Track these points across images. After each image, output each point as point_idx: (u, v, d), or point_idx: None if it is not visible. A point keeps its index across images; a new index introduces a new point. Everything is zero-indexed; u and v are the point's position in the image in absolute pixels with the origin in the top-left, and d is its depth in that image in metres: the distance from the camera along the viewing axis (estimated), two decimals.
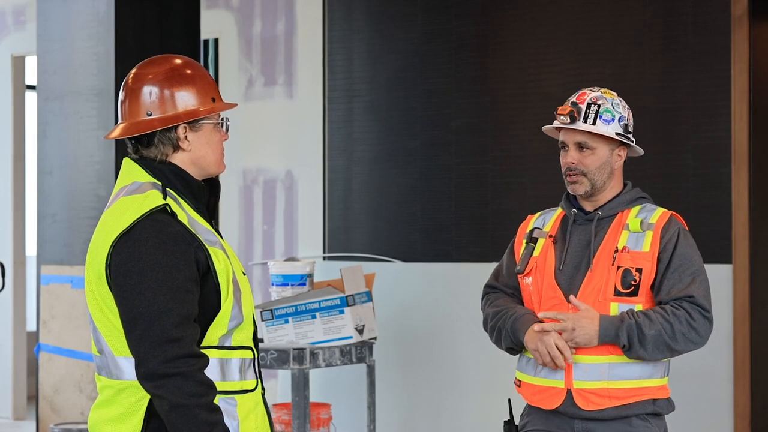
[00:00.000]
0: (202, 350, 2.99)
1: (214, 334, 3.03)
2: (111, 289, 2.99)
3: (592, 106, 3.83)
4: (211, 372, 3.00)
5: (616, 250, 3.78)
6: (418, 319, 7.13)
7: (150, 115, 3.09)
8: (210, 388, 2.96)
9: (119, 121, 3.15)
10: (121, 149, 6.65)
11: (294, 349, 5.78)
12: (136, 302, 2.93)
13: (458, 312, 6.98)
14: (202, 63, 7.62)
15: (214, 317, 3.02)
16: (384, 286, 6.87)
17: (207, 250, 3.01)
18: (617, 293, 3.76)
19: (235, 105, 3.22)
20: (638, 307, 3.75)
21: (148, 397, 2.98)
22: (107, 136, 3.17)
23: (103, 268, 2.99)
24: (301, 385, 5.77)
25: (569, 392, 3.78)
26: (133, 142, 3.12)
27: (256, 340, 3.15)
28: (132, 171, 3.10)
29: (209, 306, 3.02)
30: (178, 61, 3.16)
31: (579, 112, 3.83)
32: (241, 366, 3.08)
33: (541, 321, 3.81)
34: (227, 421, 3.01)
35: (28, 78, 9.68)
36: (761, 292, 6.51)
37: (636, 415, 3.77)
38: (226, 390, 3.04)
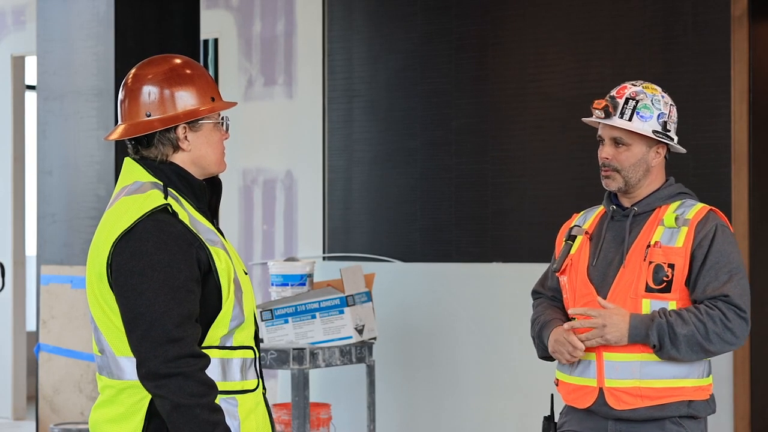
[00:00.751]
0: (203, 350, 2.99)
1: (215, 333, 3.03)
2: (112, 289, 2.99)
3: (630, 101, 3.72)
4: (213, 372, 3.00)
5: (648, 245, 3.68)
6: (417, 319, 7.13)
7: (149, 115, 3.08)
8: (211, 388, 2.96)
9: (119, 121, 3.15)
10: (121, 149, 6.65)
11: (294, 349, 5.78)
12: (137, 302, 2.93)
13: (458, 312, 6.98)
14: (201, 63, 7.62)
15: (216, 317, 3.02)
16: (384, 286, 6.86)
17: (208, 249, 3.01)
18: (649, 289, 3.66)
19: (234, 104, 3.21)
20: (671, 305, 3.66)
21: (149, 397, 2.97)
22: (107, 138, 3.16)
23: (104, 267, 2.99)
24: (300, 385, 5.77)
25: (601, 391, 3.70)
26: (132, 142, 3.12)
27: (257, 339, 3.14)
28: (133, 171, 3.10)
29: (210, 306, 3.01)
30: (178, 60, 3.15)
31: (615, 107, 3.73)
32: (243, 366, 3.08)
33: (570, 319, 3.76)
34: (228, 421, 3.01)
35: (28, 78, 9.67)
36: (761, 292, 6.51)
37: (669, 417, 3.66)
38: (227, 390, 3.04)
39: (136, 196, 3.03)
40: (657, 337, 3.61)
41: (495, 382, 6.84)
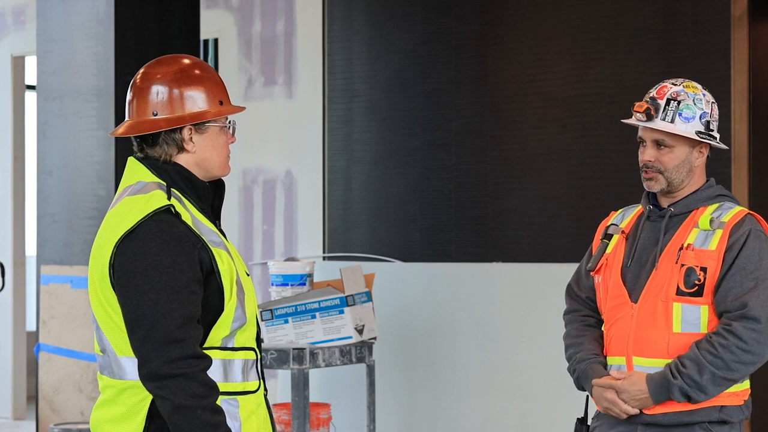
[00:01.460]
0: (205, 351, 2.99)
1: (217, 335, 3.02)
2: (114, 289, 2.98)
3: (672, 102, 3.62)
4: (214, 373, 3.00)
5: (681, 248, 3.59)
6: (417, 319, 7.13)
7: (156, 114, 3.07)
8: (213, 389, 2.96)
9: (126, 119, 3.14)
10: (121, 149, 6.65)
11: (294, 349, 5.78)
12: (139, 302, 2.93)
13: (458, 312, 6.98)
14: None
15: (218, 318, 3.02)
16: (384, 286, 6.86)
17: (211, 251, 3.01)
18: (680, 293, 3.57)
19: (242, 108, 3.20)
20: (703, 309, 3.57)
21: (151, 397, 2.97)
22: (112, 133, 3.16)
23: (106, 267, 2.99)
24: (300, 385, 5.77)
25: None
26: (138, 140, 3.11)
27: (259, 341, 3.14)
28: (137, 170, 3.10)
29: (212, 307, 3.01)
30: (187, 61, 3.14)
31: (657, 109, 3.63)
32: (244, 367, 3.07)
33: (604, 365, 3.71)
34: (229, 422, 3.01)
35: (28, 78, 9.67)
36: None
37: (699, 422, 3.59)
38: (228, 391, 3.03)
39: (139, 196, 3.03)
40: (681, 395, 3.55)
41: (495, 382, 6.84)
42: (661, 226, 3.68)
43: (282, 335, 5.85)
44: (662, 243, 3.65)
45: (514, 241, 7.03)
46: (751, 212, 3.67)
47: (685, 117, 3.64)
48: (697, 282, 3.57)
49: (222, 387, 3.01)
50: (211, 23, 8.12)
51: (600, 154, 6.66)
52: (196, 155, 3.10)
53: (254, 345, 3.11)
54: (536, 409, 6.66)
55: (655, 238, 3.68)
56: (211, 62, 8.43)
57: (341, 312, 5.91)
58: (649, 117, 3.64)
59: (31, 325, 9.87)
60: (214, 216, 3.17)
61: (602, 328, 3.79)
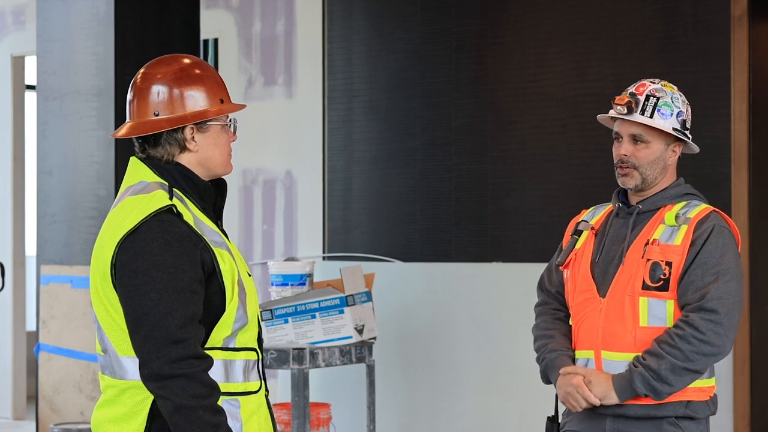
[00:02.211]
0: (206, 351, 2.99)
1: (218, 335, 3.02)
2: (116, 289, 2.98)
3: (651, 98, 3.71)
4: (215, 373, 2.99)
5: (647, 243, 3.67)
6: (417, 319, 7.13)
7: (157, 114, 3.07)
8: (214, 389, 2.96)
9: (127, 120, 3.14)
10: (121, 149, 6.65)
11: (294, 349, 5.78)
12: (141, 302, 2.93)
13: (458, 312, 6.98)
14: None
15: (219, 318, 3.02)
16: (384, 286, 6.86)
17: (212, 251, 3.01)
18: (646, 287, 3.64)
19: (243, 106, 3.20)
20: (669, 304, 3.63)
21: (152, 397, 2.97)
22: (114, 135, 3.16)
23: (108, 267, 2.99)
24: (300, 385, 5.77)
25: None
26: (139, 141, 3.11)
27: (260, 341, 3.14)
28: (138, 170, 3.10)
29: (214, 307, 3.01)
30: (187, 60, 3.14)
31: (637, 104, 3.71)
32: (245, 367, 3.07)
33: (572, 356, 3.76)
34: (230, 422, 3.01)
35: (27, 78, 9.67)
36: (761, 292, 6.51)
37: (666, 417, 3.64)
38: (229, 391, 3.03)
39: (141, 196, 3.02)
40: (643, 385, 3.60)
41: (495, 382, 6.84)
42: (629, 223, 3.75)
43: (282, 335, 5.85)
44: (629, 239, 3.72)
45: (514, 241, 7.03)
46: (716, 209, 3.74)
47: (663, 113, 3.72)
48: (662, 276, 3.64)
49: (223, 387, 3.01)
50: (211, 23, 8.12)
51: (600, 154, 6.66)
52: (199, 154, 3.10)
53: (255, 345, 3.11)
54: (536, 409, 6.66)
55: (623, 234, 3.75)
56: (211, 62, 8.43)
57: (341, 312, 5.91)
58: (630, 110, 3.72)
59: (31, 325, 9.87)
60: (216, 216, 3.17)
61: (570, 323, 3.85)
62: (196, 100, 3.08)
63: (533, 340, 3.94)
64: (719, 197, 6.38)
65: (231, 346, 3.05)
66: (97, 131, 6.76)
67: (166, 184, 3.06)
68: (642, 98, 3.72)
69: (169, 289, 2.92)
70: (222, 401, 3.00)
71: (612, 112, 3.76)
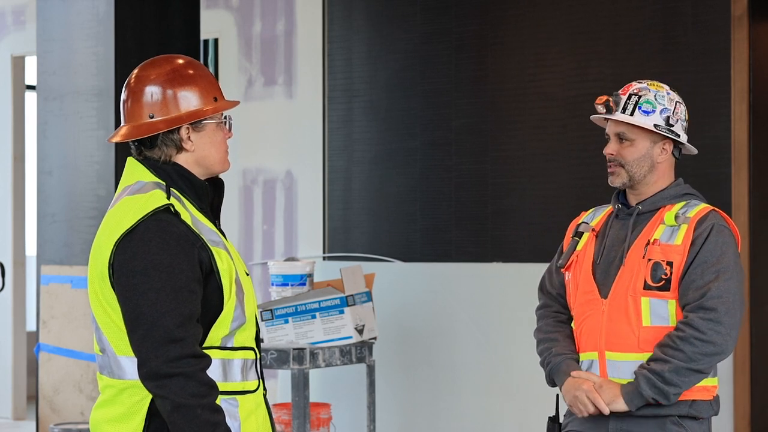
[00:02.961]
0: (204, 350, 2.99)
1: (216, 334, 3.03)
2: (114, 289, 2.99)
3: (633, 96, 3.74)
4: (213, 372, 3.00)
5: (648, 243, 3.68)
6: (418, 319, 7.13)
7: (152, 117, 3.07)
8: (212, 388, 2.96)
9: (122, 122, 3.14)
10: (121, 149, 6.64)
11: (294, 349, 5.78)
12: (139, 302, 2.93)
13: (458, 312, 6.98)
14: (201, 63, 7.62)
15: (217, 318, 3.02)
16: (384, 286, 6.87)
17: (210, 250, 3.01)
18: (647, 287, 3.65)
19: (237, 103, 3.21)
20: (671, 303, 3.63)
21: (150, 397, 2.97)
22: (110, 139, 3.16)
23: (106, 267, 2.99)
24: (301, 385, 5.77)
25: None
26: (135, 144, 3.12)
27: (258, 340, 3.14)
28: (136, 170, 3.10)
29: (212, 306, 3.01)
30: (180, 61, 3.15)
31: (617, 103, 3.75)
32: (243, 366, 3.08)
33: (578, 361, 3.76)
34: (229, 421, 3.01)
35: (28, 78, 9.67)
36: (761, 292, 6.51)
37: (670, 416, 3.64)
38: (227, 390, 3.04)
39: (138, 196, 3.03)
40: (650, 389, 3.60)
41: (495, 382, 6.84)
42: (629, 224, 3.76)
43: (282, 335, 5.85)
44: (630, 239, 3.73)
45: (514, 241, 7.03)
46: (715, 209, 3.74)
47: (644, 110, 3.74)
48: (663, 276, 3.65)
49: (221, 386, 3.01)
50: (211, 23, 8.12)
51: (600, 154, 6.64)
52: (196, 153, 3.11)
53: (253, 345, 3.11)
54: (536, 409, 6.66)
55: (623, 235, 3.76)
56: (211, 62, 8.43)
57: (341, 312, 5.91)
58: (609, 109, 3.76)
59: (31, 325, 9.87)
60: (214, 216, 3.17)
61: (572, 325, 3.85)
62: (189, 99, 3.09)
63: (536, 344, 3.93)
64: (719, 197, 6.38)
65: (229, 345, 3.05)
66: (97, 131, 6.76)
67: (164, 183, 3.06)
68: (624, 97, 3.76)
69: (167, 289, 2.93)
70: (220, 400, 3.00)
71: (595, 114, 3.80)
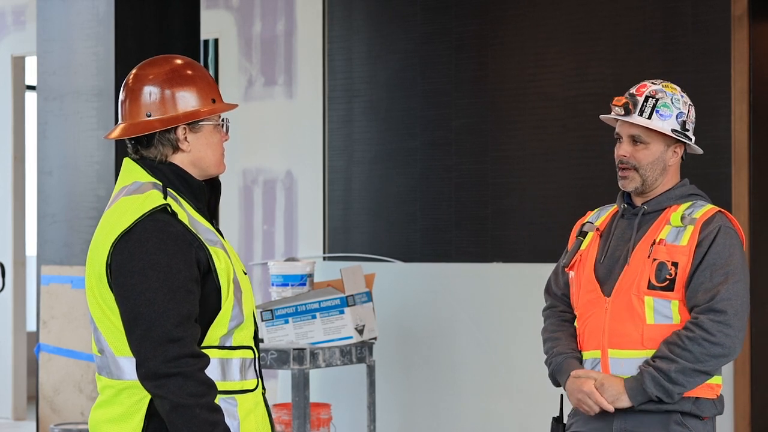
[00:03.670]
0: (202, 350, 2.99)
1: (214, 333, 3.03)
2: (112, 289, 2.99)
3: (650, 99, 3.70)
4: (212, 372, 3.00)
5: (653, 243, 3.66)
6: (418, 319, 7.13)
7: (150, 115, 3.08)
8: (211, 387, 2.96)
9: (119, 121, 3.15)
10: (121, 149, 6.64)
11: (294, 349, 5.78)
12: (137, 302, 2.93)
13: (458, 312, 6.98)
14: (201, 63, 7.62)
15: (215, 317, 3.02)
16: (384, 286, 6.86)
17: (208, 249, 3.01)
18: (651, 287, 3.63)
19: (235, 106, 3.21)
20: (674, 304, 3.63)
21: (149, 397, 2.98)
22: (107, 136, 3.17)
23: (103, 268, 2.99)
24: (301, 385, 5.77)
25: None
26: (132, 142, 3.12)
27: (256, 339, 3.14)
28: (132, 171, 3.10)
29: (210, 306, 3.02)
30: (179, 61, 3.15)
31: (635, 105, 3.70)
32: (242, 366, 3.08)
33: (580, 360, 3.76)
34: (228, 420, 3.01)
35: (28, 78, 9.67)
36: (761, 292, 6.51)
37: (673, 412, 3.63)
38: (226, 390, 3.04)
39: (135, 196, 3.03)
40: (654, 387, 3.59)
41: (495, 382, 6.84)
42: (634, 224, 3.74)
43: (282, 335, 5.85)
44: (635, 239, 3.71)
45: (514, 241, 7.03)
46: (721, 210, 3.74)
47: (661, 114, 3.71)
48: (668, 276, 3.64)
49: (220, 386, 3.01)
50: (211, 23, 8.12)
51: (600, 154, 6.66)
52: (192, 154, 3.11)
53: (252, 344, 3.11)
54: (536, 409, 6.66)
55: (628, 234, 3.75)
56: (211, 62, 8.43)
57: (341, 312, 5.91)
58: (627, 111, 3.71)
59: (31, 326, 9.87)
60: (210, 215, 3.17)
61: (576, 324, 3.84)
62: (187, 100, 3.09)
63: (542, 343, 3.92)
64: (719, 197, 6.38)
65: (227, 344, 3.05)
66: (97, 131, 6.76)
67: (160, 183, 3.06)
68: (641, 99, 3.71)
69: (164, 289, 2.93)
70: (219, 399, 3.00)
71: (611, 114, 3.76)
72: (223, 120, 3.17)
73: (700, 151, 3.81)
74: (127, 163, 3.13)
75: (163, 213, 3.00)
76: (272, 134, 8.03)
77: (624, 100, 3.72)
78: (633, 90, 3.75)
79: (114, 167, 6.67)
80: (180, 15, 6.98)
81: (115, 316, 3.00)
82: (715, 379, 3.69)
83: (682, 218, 3.69)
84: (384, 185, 7.50)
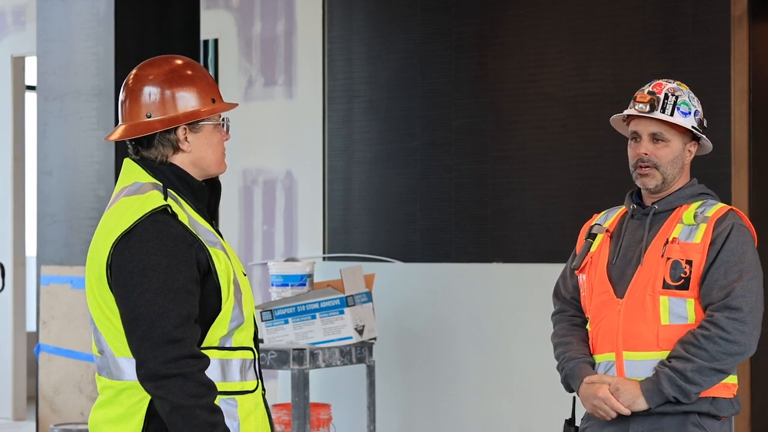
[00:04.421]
0: (202, 351, 2.99)
1: (214, 334, 3.03)
2: (112, 290, 2.99)
3: (670, 96, 3.69)
4: (212, 373, 3.00)
5: (667, 242, 3.64)
6: (418, 320, 7.13)
7: (150, 116, 3.08)
8: (211, 388, 2.96)
9: (120, 121, 3.15)
10: (121, 149, 6.64)
11: (294, 349, 5.78)
12: (137, 303, 2.93)
13: (458, 312, 6.98)
14: (201, 63, 7.62)
15: (215, 318, 3.02)
16: (384, 286, 6.86)
17: (208, 250, 3.01)
18: (666, 286, 3.61)
19: (235, 105, 3.21)
20: (689, 302, 3.61)
21: (149, 397, 2.97)
22: (107, 138, 3.16)
23: (103, 268, 2.99)
24: (300, 385, 5.77)
25: None
26: (133, 143, 3.12)
27: (256, 340, 3.14)
28: (133, 171, 3.10)
29: (210, 307, 3.01)
30: (179, 61, 3.15)
31: (657, 101, 3.69)
32: (242, 367, 3.08)
33: (593, 364, 3.73)
34: (228, 421, 3.01)
35: (28, 78, 9.67)
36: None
37: (690, 413, 3.60)
38: (226, 391, 3.04)
39: (135, 197, 3.03)
40: (671, 387, 3.57)
41: (495, 382, 6.84)
42: (645, 223, 3.73)
43: (282, 336, 5.85)
44: (647, 239, 3.70)
45: (514, 241, 7.03)
46: (733, 208, 3.72)
47: (683, 111, 3.71)
48: (683, 275, 3.62)
49: (220, 387, 3.01)
50: (211, 23, 8.12)
51: (600, 154, 6.66)
52: (192, 154, 3.11)
53: (252, 345, 3.11)
54: (536, 409, 6.66)
55: (639, 235, 3.73)
56: (211, 62, 8.43)
57: (341, 312, 5.91)
58: (653, 108, 3.70)
59: (31, 326, 9.87)
60: (211, 216, 3.17)
61: (588, 327, 3.81)
62: (187, 100, 3.09)
63: (553, 348, 3.89)
64: (719, 197, 6.37)
65: (227, 345, 3.05)
66: (97, 131, 6.76)
67: (160, 184, 3.06)
68: (661, 96, 3.70)
69: (164, 289, 2.93)
70: (219, 400, 3.00)
71: (631, 110, 3.73)
72: (223, 119, 3.17)
73: (710, 148, 3.80)
74: (128, 163, 3.13)
75: (164, 214, 3.00)
76: (272, 134, 8.03)
77: (649, 97, 3.70)
78: (650, 87, 3.73)
79: (114, 167, 6.67)
80: (180, 15, 6.98)
81: (115, 316, 3.00)
82: (731, 378, 3.67)
83: (695, 216, 3.67)
84: (384, 185, 7.50)
